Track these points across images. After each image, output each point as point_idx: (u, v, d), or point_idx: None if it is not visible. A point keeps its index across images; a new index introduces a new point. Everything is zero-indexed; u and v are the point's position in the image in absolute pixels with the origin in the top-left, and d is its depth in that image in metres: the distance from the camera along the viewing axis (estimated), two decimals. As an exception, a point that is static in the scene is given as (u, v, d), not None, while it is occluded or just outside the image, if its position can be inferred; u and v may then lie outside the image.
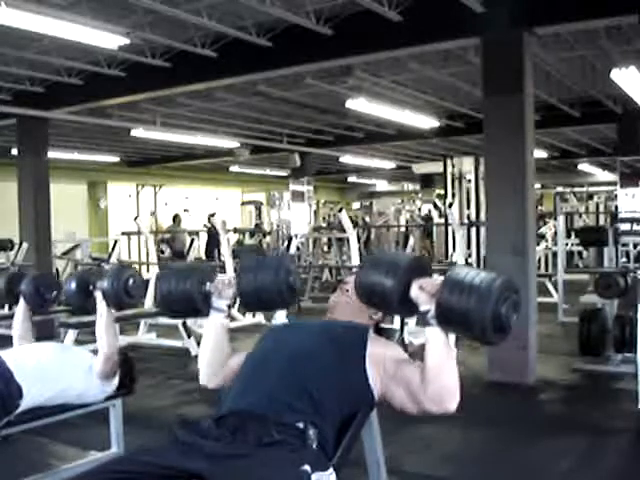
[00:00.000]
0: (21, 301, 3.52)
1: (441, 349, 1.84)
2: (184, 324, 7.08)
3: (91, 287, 3.29)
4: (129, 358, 3.52)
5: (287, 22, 6.15)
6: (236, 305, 8.59)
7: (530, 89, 5.63)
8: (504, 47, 5.59)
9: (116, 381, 3.27)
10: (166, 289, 2.27)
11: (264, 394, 1.89)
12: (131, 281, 3.27)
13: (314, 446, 1.80)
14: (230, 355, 2.23)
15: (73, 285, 3.35)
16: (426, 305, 1.83)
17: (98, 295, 3.24)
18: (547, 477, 3.62)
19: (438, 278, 1.90)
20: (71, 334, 5.91)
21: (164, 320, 7.35)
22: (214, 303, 2.23)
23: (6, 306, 7.76)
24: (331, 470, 1.79)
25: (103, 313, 3.23)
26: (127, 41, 5.88)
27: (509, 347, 5.44)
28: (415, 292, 1.85)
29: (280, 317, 6.47)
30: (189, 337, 6.98)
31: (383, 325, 2.33)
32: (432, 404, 1.85)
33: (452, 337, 1.95)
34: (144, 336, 7.52)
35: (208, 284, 2.25)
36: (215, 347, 2.22)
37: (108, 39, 5.82)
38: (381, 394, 1.98)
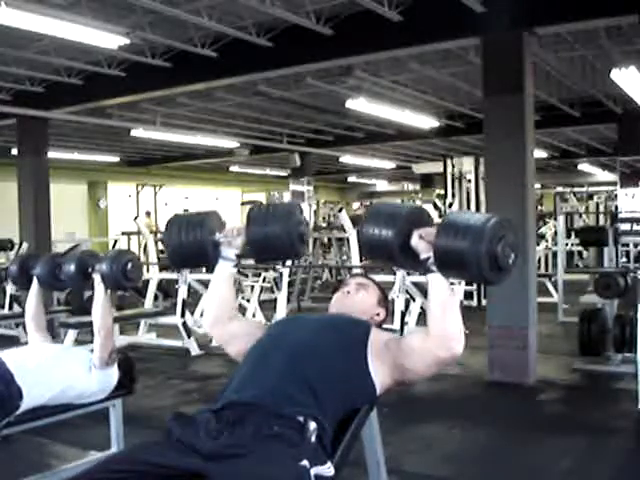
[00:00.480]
0: (34, 282, 3.53)
1: (444, 293, 1.91)
2: (184, 324, 7.08)
3: (90, 269, 3.31)
4: (129, 358, 3.52)
5: (287, 22, 6.15)
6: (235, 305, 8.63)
7: (530, 89, 5.63)
8: (504, 47, 5.58)
9: (115, 375, 3.26)
10: (176, 239, 2.26)
11: (265, 386, 1.89)
12: (130, 265, 3.30)
13: (313, 440, 1.79)
14: (235, 312, 2.30)
15: (72, 267, 3.36)
16: (426, 253, 1.90)
17: (96, 277, 3.26)
18: (547, 477, 3.62)
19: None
20: (71, 334, 5.90)
21: (164, 320, 7.36)
22: (223, 252, 2.25)
23: (6, 306, 7.81)
24: (329, 464, 1.78)
25: (100, 295, 3.25)
26: (127, 41, 5.88)
27: (509, 347, 5.46)
28: (415, 241, 1.92)
29: (281, 316, 6.47)
30: (189, 337, 6.98)
31: (385, 326, 2.34)
32: (440, 348, 1.88)
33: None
34: (144, 336, 7.52)
35: (217, 234, 2.25)
36: (222, 295, 2.26)
37: (108, 39, 5.82)
38: (393, 378, 1.99)
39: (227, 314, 2.26)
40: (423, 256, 1.91)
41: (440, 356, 1.89)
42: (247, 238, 2.21)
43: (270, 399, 1.84)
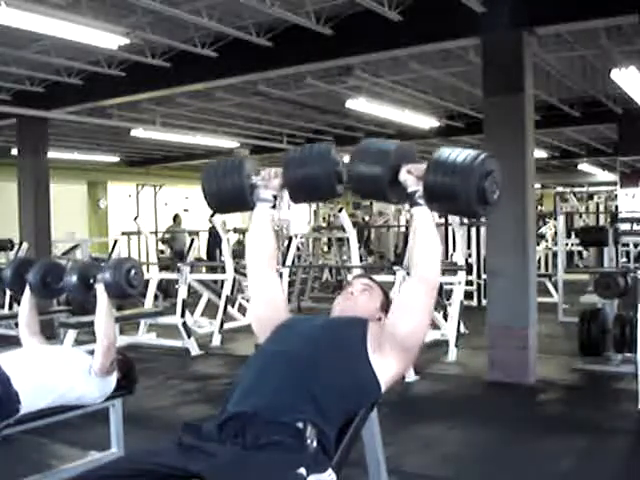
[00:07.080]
0: (27, 289, 3.50)
1: (429, 224, 1.99)
2: (184, 324, 7.08)
3: (92, 280, 3.29)
4: (129, 358, 3.51)
5: (287, 22, 6.15)
6: (235, 305, 8.61)
7: (530, 89, 5.63)
8: (504, 47, 5.59)
9: (114, 380, 3.26)
10: (214, 184, 2.27)
11: (266, 395, 1.88)
12: (132, 272, 3.30)
13: (313, 446, 1.78)
14: (275, 262, 2.32)
15: (74, 278, 3.34)
16: (414, 186, 1.98)
17: (99, 287, 3.25)
18: (547, 477, 3.62)
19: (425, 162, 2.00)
20: (71, 334, 5.90)
21: (164, 320, 7.36)
22: (261, 194, 2.27)
23: (6, 306, 7.80)
24: (330, 471, 1.77)
25: (104, 305, 3.23)
26: (127, 41, 5.88)
27: (509, 347, 5.46)
28: (404, 175, 1.99)
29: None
30: (189, 337, 6.98)
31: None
32: (424, 278, 1.98)
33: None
34: (144, 336, 7.52)
35: (254, 176, 2.27)
36: (262, 237, 2.28)
37: (108, 39, 5.82)
38: (398, 362, 1.98)
39: (267, 258, 2.26)
40: (411, 190, 1.98)
41: (425, 285, 1.97)
42: (285, 179, 2.23)
43: (269, 408, 1.83)
